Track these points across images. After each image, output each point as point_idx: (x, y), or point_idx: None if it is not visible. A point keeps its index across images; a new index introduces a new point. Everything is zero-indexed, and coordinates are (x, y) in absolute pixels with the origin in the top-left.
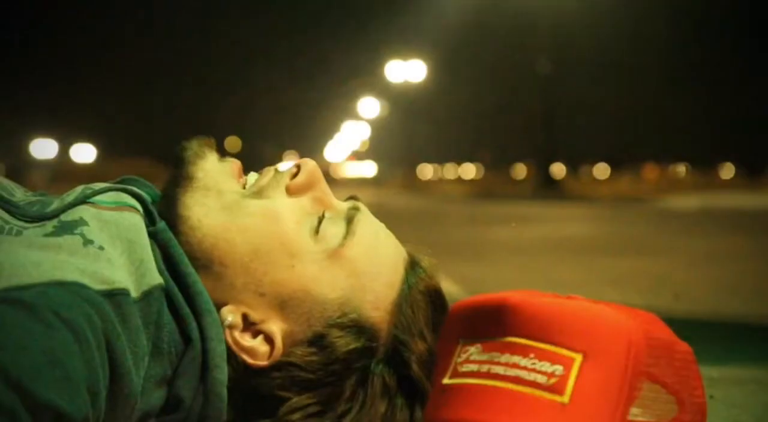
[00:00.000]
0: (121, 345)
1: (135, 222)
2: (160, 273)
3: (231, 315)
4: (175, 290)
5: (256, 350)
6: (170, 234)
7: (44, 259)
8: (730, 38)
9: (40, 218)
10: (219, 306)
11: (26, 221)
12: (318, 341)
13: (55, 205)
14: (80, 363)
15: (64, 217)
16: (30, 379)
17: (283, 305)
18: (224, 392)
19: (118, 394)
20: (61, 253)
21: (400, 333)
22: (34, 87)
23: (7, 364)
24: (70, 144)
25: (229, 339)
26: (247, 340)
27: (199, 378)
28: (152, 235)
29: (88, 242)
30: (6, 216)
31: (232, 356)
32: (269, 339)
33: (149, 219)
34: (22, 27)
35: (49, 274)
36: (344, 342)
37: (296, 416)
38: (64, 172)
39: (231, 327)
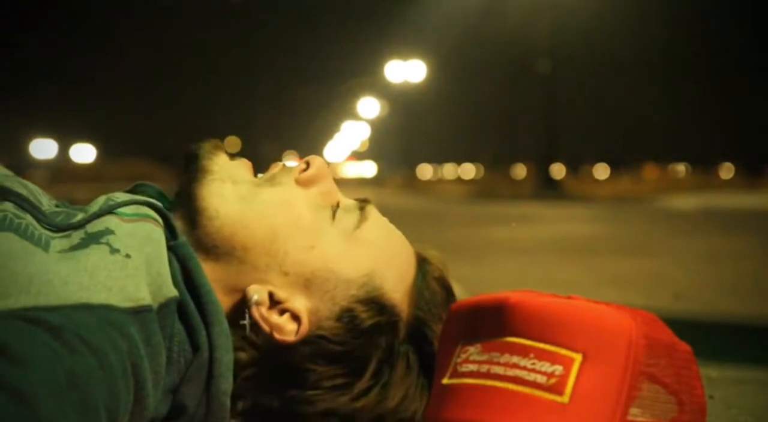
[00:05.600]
0: (144, 369)
1: (154, 234)
2: (176, 285)
3: (257, 293)
4: (188, 300)
5: (284, 327)
6: (190, 250)
7: (72, 277)
8: (730, 38)
9: (66, 228)
10: (244, 288)
11: (52, 230)
12: (343, 316)
13: (80, 216)
14: (102, 389)
15: (90, 229)
16: (47, 399)
17: (307, 284)
18: (227, 401)
19: (137, 415)
20: (88, 266)
21: (422, 312)
22: (34, 87)
23: (25, 382)
24: (70, 144)
25: (257, 316)
26: (274, 317)
27: (204, 386)
28: (172, 249)
29: (114, 250)
30: (35, 223)
31: (260, 333)
32: (296, 317)
33: (171, 234)
34: (22, 27)
35: (76, 296)
36: (369, 316)
37: (324, 385)
38: (64, 172)
39: (258, 304)
